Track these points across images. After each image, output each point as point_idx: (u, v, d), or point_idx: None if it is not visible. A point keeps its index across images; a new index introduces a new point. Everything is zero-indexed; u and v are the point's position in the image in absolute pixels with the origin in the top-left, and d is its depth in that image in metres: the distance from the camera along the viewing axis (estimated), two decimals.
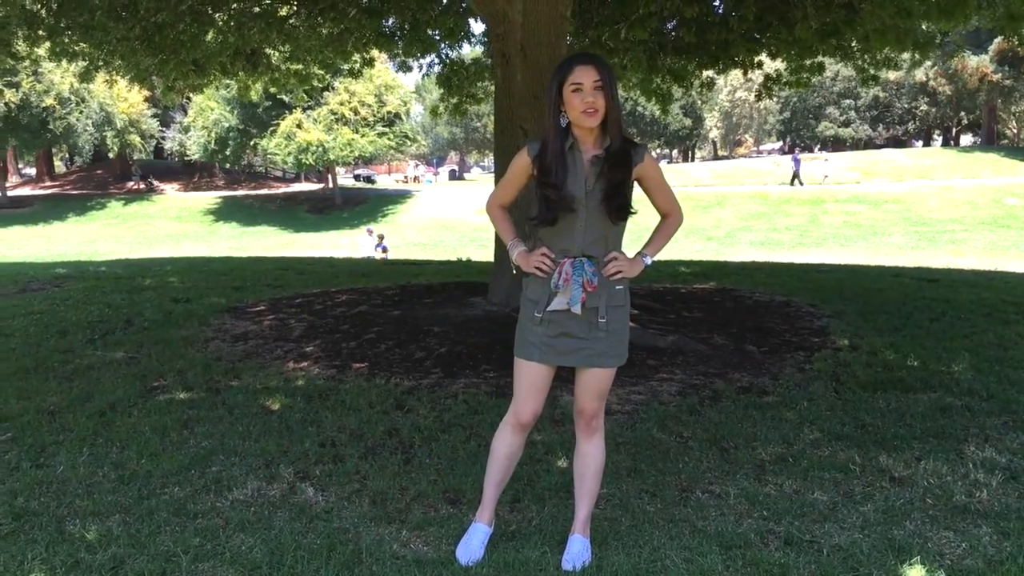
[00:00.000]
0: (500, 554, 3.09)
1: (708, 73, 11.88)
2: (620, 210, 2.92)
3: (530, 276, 3.06)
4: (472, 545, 3.11)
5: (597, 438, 3.18)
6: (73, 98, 40.92)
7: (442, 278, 10.21)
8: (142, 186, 47.48)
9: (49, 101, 39.37)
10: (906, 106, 58.62)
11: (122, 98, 43.07)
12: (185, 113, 44.81)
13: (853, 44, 9.37)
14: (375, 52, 11.89)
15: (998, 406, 4.82)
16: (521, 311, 3.11)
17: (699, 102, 57.39)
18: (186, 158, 47.25)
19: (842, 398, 5.03)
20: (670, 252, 18.56)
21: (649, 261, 3.07)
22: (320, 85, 15.62)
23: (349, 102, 39.94)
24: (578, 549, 3.08)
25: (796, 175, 36.95)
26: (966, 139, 63.29)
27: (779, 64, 10.82)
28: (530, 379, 3.09)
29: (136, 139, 45.83)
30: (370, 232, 24.28)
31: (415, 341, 6.26)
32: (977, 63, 44.92)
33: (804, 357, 6.02)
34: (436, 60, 11.70)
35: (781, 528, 3.30)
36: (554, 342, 3.01)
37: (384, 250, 21.61)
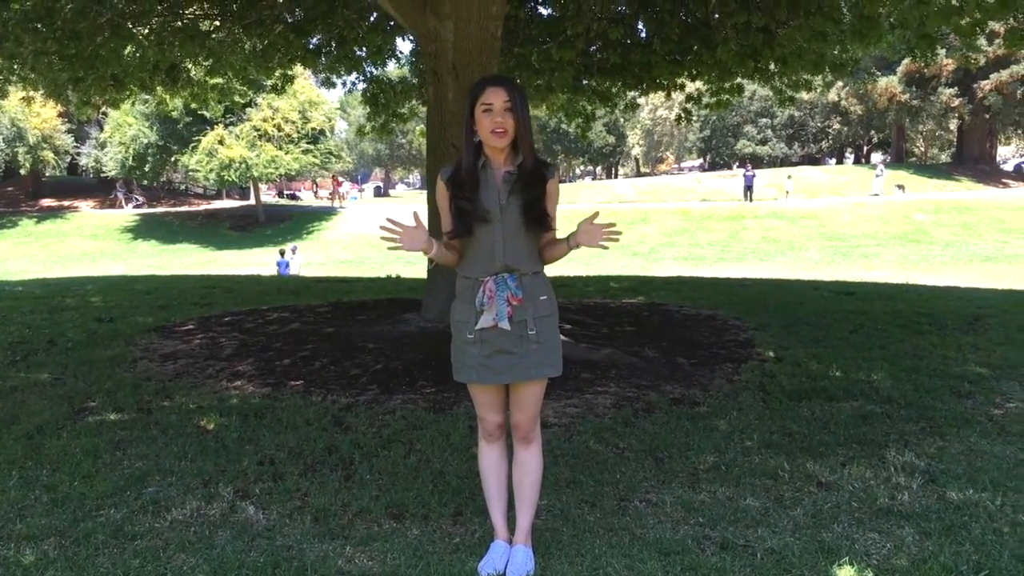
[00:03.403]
0: (445, 566, 3.13)
1: (632, 94, 12.11)
2: (538, 222, 3.04)
3: (457, 299, 3.15)
4: (493, 558, 3.15)
5: (535, 446, 3.24)
6: None
7: (373, 295, 10.17)
8: (125, 205, 45.46)
9: None
10: (820, 125, 60.51)
11: (35, 113, 41.72)
12: (101, 128, 43.57)
13: (771, 67, 9.67)
14: (298, 68, 11.81)
15: (916, 412, 5.04)
16: (454, 334, 3.18)
17: (622, 120, 58.21)
18: (102, 174, 45.93)
19: (770, 407, 5.19)
20: (598, 268, 18.83)
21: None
22: (242, 101, 15.49)
23: (272, 118, 39.41)
24: (521, 559, 3.12)
25: (749, 189, 37.74)
26: (876, 157, 65.53)
27: (700, 85, 11.09)
28: (481, 397, 3.18)
29: (49, 155, 44.35)
30: (294, 251, 24.00)
31: (350, 358, 6.25)
32: (886, 84, 46.60)
33: (732, 369, 6.19)
34: (360, 78, 11.70)
35: (716, 534, 3.41)
36: (489, 362, 3.06)
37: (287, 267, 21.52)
